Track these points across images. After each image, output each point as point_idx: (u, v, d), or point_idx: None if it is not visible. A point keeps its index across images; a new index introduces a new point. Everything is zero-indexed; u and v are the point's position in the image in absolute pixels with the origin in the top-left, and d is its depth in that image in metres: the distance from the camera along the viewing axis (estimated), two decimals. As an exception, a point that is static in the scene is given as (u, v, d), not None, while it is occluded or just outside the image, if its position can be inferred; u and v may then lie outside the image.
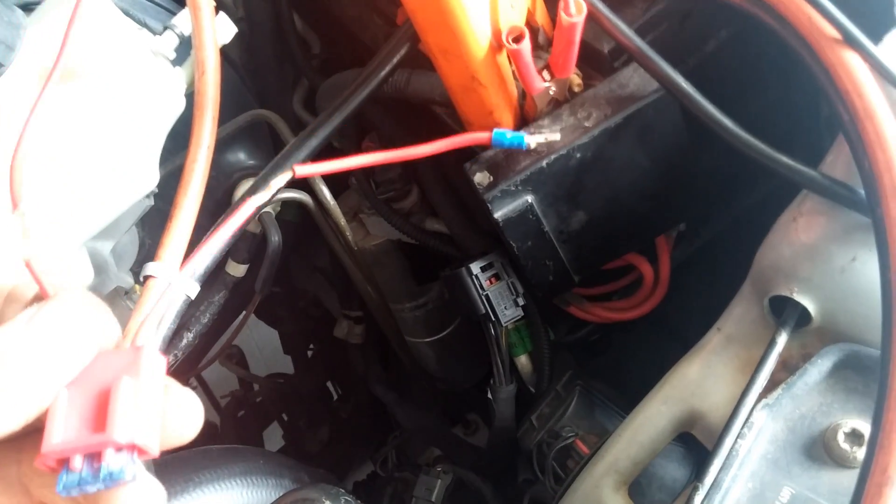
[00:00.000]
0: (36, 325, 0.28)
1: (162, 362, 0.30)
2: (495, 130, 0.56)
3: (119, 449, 0.27)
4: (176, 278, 0.53)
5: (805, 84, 0.54)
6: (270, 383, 1.43)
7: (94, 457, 0.27)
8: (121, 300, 0.64)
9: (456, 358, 0.99)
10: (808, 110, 0.62)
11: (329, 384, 1.45)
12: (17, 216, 0.31)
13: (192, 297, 0.54)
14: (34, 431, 0.29)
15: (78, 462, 0.27)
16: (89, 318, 0.29)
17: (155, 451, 0.28)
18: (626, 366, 0.87)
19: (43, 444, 0.27)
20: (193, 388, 1.45)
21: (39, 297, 0.31)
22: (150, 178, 0.55)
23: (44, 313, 0.28)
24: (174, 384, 0.31)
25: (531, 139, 0.56)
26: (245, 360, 1.45)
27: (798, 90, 0.62)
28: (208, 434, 1.36)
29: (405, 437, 1.10)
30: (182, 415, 0.30)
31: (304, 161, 0.59)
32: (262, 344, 1.72)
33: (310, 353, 1.43)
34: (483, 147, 0.62)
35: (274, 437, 1.46)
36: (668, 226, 0.68)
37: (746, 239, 0.58)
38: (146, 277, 0.52)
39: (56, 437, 0.27)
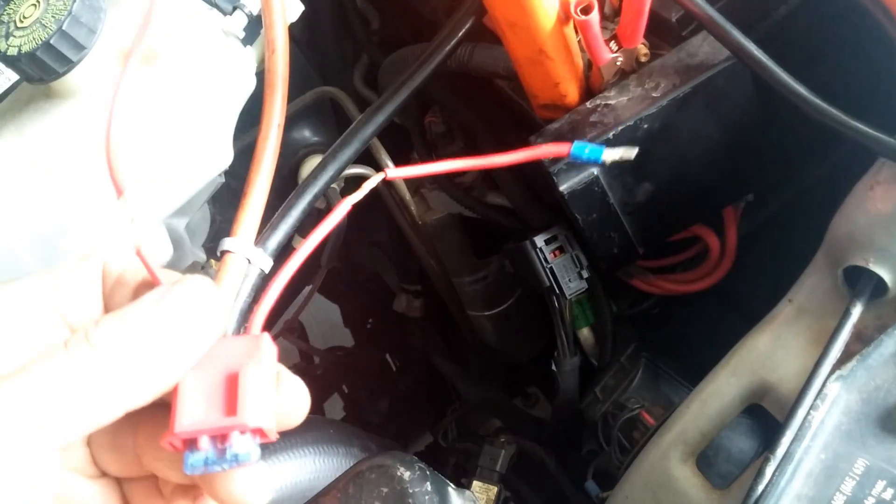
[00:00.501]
0: (168, 306, 0.28)
1: (274, 350, 0.31)
2: (575, 143, 0.54)
3: (244, 432, 0.28)
4: (252, 253, 0.55)
5: (878, 49, 0.53)
6: (331, 356, 1.46)
7: (219, 438, 0.28)
8: (199, 274, 0.66)
9: (515, 331, 0.99)
10: (881, 76, 0.60)
11: (388, 357, 1.48)
12: (123, 202, 0.32)
13: (267, 272, 0.56)
14: (151, 405, 0.30)
15: (205, 443, 0.28)
16: (217, 303, 0.30)
17: (274, 436, 0.29)
18: (689, 339, 0.87)
19: (174, 424, 0.28)
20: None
21: (146, 283, 0.32)
22: (226, 156, 0.57)
23: (175, 295, 0.29)
24: (285, 371, 0.31)
25: (608, 155, 0.55)
26: (305, 334, 1.48)
27: (871, 55, 0.60)
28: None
29: (466, 409, 1.12)
30: (293, 400, 0.31)
31: (371, 136, 0.60)
32: (319, 318, 1.75)
33: (369, 326, 1.45)
34: (548, 120, 0.62)
35: (335, 408, 1.49)
36: (735, 196, 0.67)
37: (814, 210, 0.57)
38: (223, 252, 0.53)
39: (187, 419, 0.28)
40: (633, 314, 0.85)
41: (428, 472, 0.48)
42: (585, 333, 0.80)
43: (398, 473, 0.47)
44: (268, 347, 0.30)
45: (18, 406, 0.24)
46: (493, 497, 0.75)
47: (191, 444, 0.28)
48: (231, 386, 0.29)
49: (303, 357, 1.49)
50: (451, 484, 0.49)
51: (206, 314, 0.29)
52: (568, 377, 0.76)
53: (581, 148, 0.52)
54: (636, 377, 0.74)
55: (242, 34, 0.62)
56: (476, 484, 0.76)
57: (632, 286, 0.78)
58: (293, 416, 0.31)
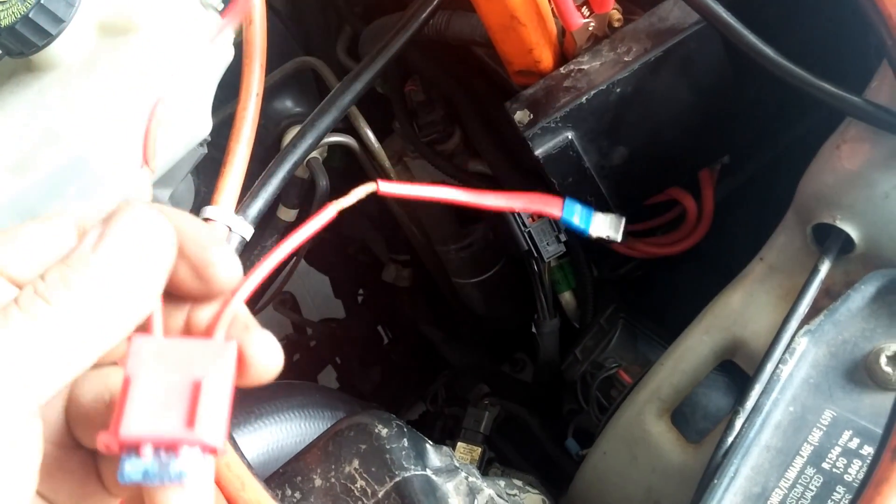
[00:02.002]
0: (111, 243, 0.26)
1: (235, 361, 0.28)
2: (567, 203, 0.46)
3: (194, 446, 0.25)
4: (232, 221, 0.56)
5: (854, 10, 0.54)
6: (323, 328, 1.47)
7: (165, 449, 0.25)
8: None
9: (502, 297, 1.01)
10: (857, 37, 0.61)
11: (379, 328, 1.49)
12: (146, 171, 0.31)
13: (248, 239, 0.57)
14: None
15: (148, 452, 0.25)
16: (161, 228, 0.27)
17: (224, 453, 0.27)
18: (671, 300, 0.88)
19: (120, 425, 0.25)
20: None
21: None
22: (204, 126, 0.57)
23: (117, 229, 0.26)
24: (254, 324, 0.29)
25: (595, 228, 0.47)
26: (298, 306, 1.50)
27: (847, 16, 0.61)
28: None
29: (454, 374, 1.14)
30: (266, 356, 0.28)
31: (349, 105, 0.61)
32: (313, 291, 1.77)
33: (360, 297, 1.46)
34: (523, 86, 0.63)
35: (328, 379, 1.51)
36: (711, 159, 0.68)
37: (792, 172, 0.58)
38: (204, 220, 0.54)
39: (135, 422, 0.25)
40: (615, 277, 0.86)
41: (405, 430, 0.49)
42: (567, 297, 0.82)
43: (376, 430, 0.48)
44: (233, 357, 0.27)
45: None
46: (476, 457, 0.77)
47: (131, 449, 0.25)
48: (191, 394, 0.26)
49: (296, 329, 1.51)
50: (428, 441, 0.51)
51: (153, 244, 0.27)
52: (548, 339, 0.78)
53: (571, 211, 0.46)
54: (614, 337, 0.76)
55: (221, 6, 0.63)
56: (460, 445, 0.78)
57: (612, 250, 0.79)
58: (267, 372, 0.28)
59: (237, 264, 0.28)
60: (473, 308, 1.03)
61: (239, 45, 0.60)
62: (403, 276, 1.20)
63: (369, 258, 1.31)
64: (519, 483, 0.57)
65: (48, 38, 0.51)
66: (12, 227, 0.28)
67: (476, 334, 1.13)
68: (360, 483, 0.45)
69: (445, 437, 0.92)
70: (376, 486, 0.45)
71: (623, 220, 0.42)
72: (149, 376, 0.26)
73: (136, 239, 0.26)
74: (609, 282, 0.86)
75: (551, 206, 0.40)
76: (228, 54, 0.60)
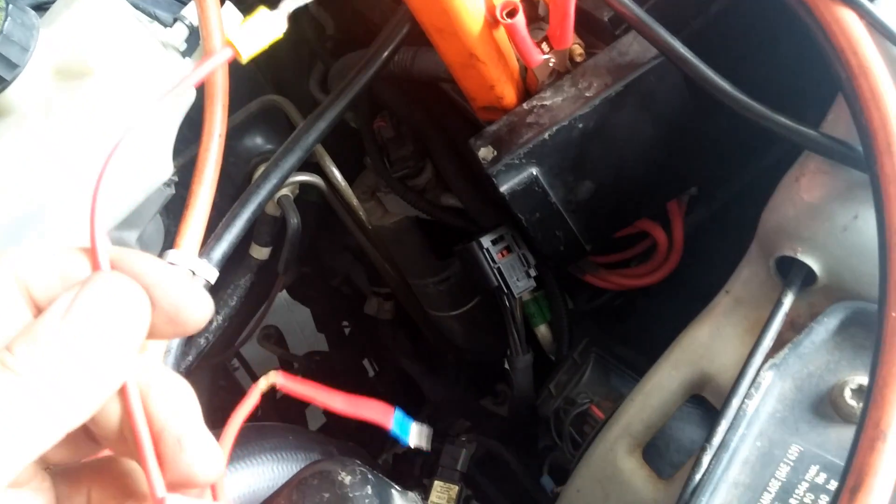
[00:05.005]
0: (79, 316, 0.25)
1: None
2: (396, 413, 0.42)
3: None
4: (196, 264, 0.55)
5: (805, 44, 0.54)
6: (308, 361, 1.46)
7: None
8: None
9: (482, 329, 1.00)
10: (820, 68, 0.61)
11: (365, 361, 1.48)
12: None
13: (212, 283, 0.57)
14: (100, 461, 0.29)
15: None
16: (133, 300, 0.26)
17: None
18: (650, 328, 0.87)
19: None
20: (235, 370, 1.49)
21: None
22: (164, 168, 0.57)
23: (85, 301, 0.25)
24: (190, 429, 0.28)
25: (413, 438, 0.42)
26: (283, 340, 1.49)
27: (809, 48, 0.61)
28: (250, 415, 1.40)
29: (436, 409, 1.13)
30: (204, 459, 0.28)
31: (314, 143, 0.60)
32: (302, 323, 1.76)
33: (346, 328, 1.46)
34: (489, 121, 0.63)
35: (316, 413, 1.49)
36: (677, 191, 0.68)
37: (764, 200, 0.58)
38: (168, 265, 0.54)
39: None
40: (593, 308, 0.86)
41: (370, 476, 0.48)
42: (542, 330, 0.81)
43: (339, 478, 0.47)
44: None
45: None
46: (454, 496, 0.76)
47: None
48: None
49: (281, 364, 1.50)
50: (395, 486, 0.50)
51: (124, 315, 0.26)
52: (521, 375, 0.77)
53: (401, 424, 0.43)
54: (586, 372, 0.75)
55: (184, 46, 0.63)
56: (437, 483, 0.77)
57: (586, 282, 0.79)
58: (207, 475, 0.28)
59: (209, 302, 0.28)
60: (454, 341, 1.03)
61: (201, 87, 0.60)
62: (385, 309, 1.19)
63: (352, 290, 1.31)
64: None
65: (2, 83, 0.51)
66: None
67: (457, 367, 1.12)
68: (322, 533, 0.45)
69: (425, 474, 0.91)
70: (337, 537, 0.44)
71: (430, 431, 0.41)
72: None
73: (108, 310, 0.26)
74: (587, 313, 0.85)
75: (384, 417, 0.40)
76: (190, 96, 0.60)
